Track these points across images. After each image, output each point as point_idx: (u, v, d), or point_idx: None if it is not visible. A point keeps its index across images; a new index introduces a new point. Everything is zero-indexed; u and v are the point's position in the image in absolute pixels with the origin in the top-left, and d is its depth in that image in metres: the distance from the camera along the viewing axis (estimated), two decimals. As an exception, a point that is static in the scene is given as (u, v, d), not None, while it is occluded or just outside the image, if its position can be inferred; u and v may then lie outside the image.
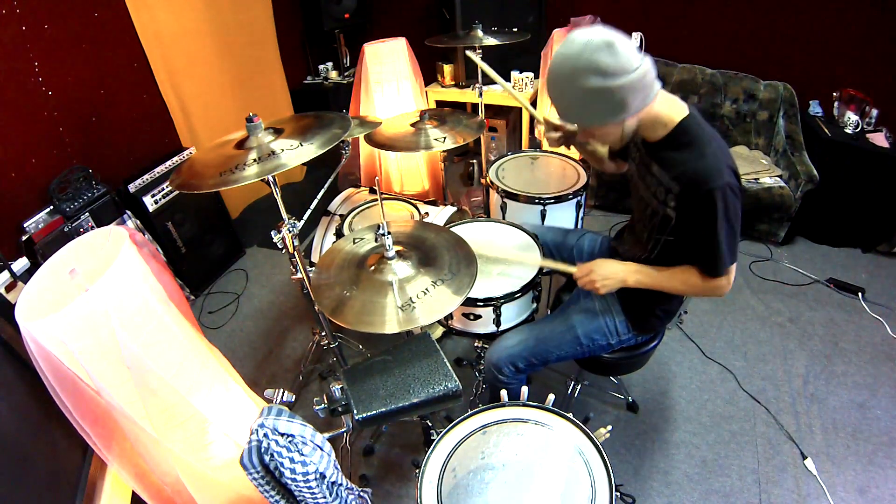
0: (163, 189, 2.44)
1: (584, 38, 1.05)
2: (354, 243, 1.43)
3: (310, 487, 0.86)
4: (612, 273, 1.35)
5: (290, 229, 1.34)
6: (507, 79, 3.23)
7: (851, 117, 2.73)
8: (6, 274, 1.70)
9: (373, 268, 1.30)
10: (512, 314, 1.58)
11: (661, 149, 1.22)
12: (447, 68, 3.33)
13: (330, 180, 1.68)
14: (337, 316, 1.19)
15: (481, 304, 1.50)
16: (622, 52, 1.04)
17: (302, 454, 0.84)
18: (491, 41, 2.14)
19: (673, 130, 1.18)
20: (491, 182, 2.10)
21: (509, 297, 1.50)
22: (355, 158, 2.76)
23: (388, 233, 1.27)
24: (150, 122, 2.58)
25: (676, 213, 1.21)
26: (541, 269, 1.58)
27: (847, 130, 2.73)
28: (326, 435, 0.94)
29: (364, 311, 1.19)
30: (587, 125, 1.18)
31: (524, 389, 1.28)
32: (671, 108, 1.18)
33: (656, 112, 1.17)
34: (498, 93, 3.22)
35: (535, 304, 1.66)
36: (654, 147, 1.24)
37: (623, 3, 3.16)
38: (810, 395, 2.02)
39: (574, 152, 3.00)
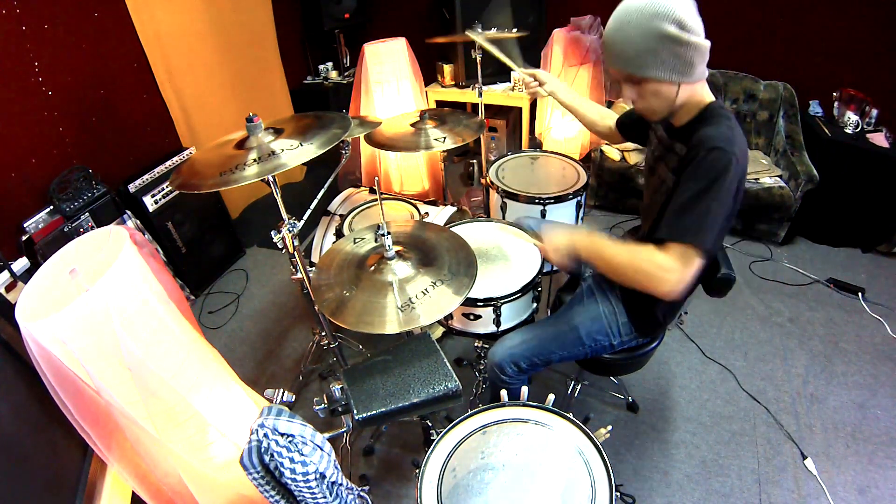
0: (163, 189, 2.44)
1: None
2: (355, 243, 1.43)
3: (310, 487, 0.86)
4: (559, 243, 1.27)
5: (290, 229, 1.34)
6: (508, 79, 3.23)
7: (851, 117, 2.73)
8: (6, 274, 1.70)
9: (373, 268, 1.30)
10: (512, 314, 1.59)
11: (687, 128, 1.19)
12: (447, 68, 3.33)
13: (330, 180, 1.68)
14: (337, 316, 1.19)
15: (481, 304, 1.50)
16: (697, 16, 1.05)
17: (302, 454, 0.84)
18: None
19: (702, 110, 1.17)
20: (491, 182, 2.10)
21: (509, 298, 1.50)
22: (355, 158, 2.76)
23: (388, 233, 1.27)
24: (150, 122, 2.58)
25: (675, 175, 1.16)
26: (542, 268, 1.58)
27: (847, 130, 2.73)
28: (326, 435, 0.94)
29: (364, 311, 1.19)
30: (649, 76, 1.09)
31: (524, 389, 1.28)
32: (705, 92, 1.18)
33: (698, 92, 1.15)
34: (498, 93, 3.22)
35: (535, 305, 1.66)
36: (680, 130, 1.21)
37: (623, 4, 3.16)
38: (810, 395, 2.02)
39: (574, 152, 3.01)
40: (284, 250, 1.37)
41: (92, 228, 2.11)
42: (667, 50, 1.05)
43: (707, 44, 1.08)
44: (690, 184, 1.08)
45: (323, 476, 0.88)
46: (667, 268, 1.07)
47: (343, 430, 1.04)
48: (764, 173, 2.79)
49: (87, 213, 2.10)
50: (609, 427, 1.18)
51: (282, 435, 0.84)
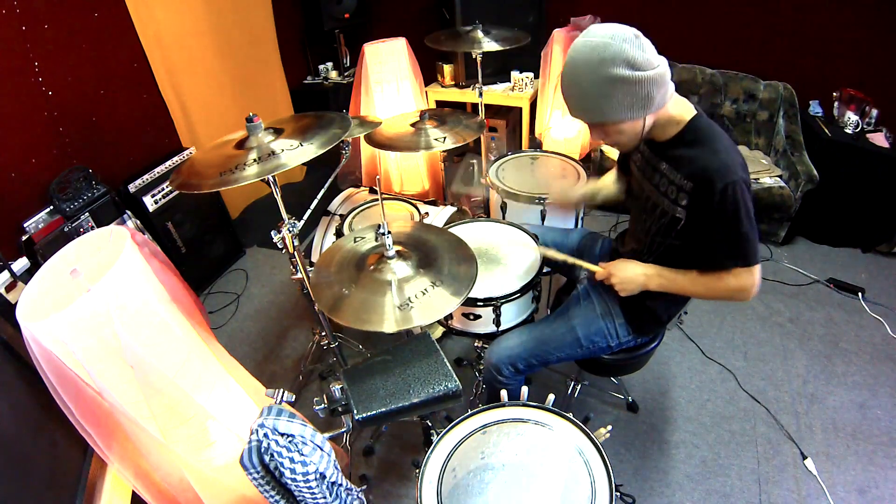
0: (163, 189, 2.44)
1: (611, 30, 1.04)
2: (355, 242, 1.44)
3: (310, 487, 0.86)
4: (632, 276, 1.33)
5: (290, 229, 1.34)
6: (508, 78, 3.23)
7: (851, 117, 2.73)
8: (6, 274, 1.70)
9: (372, 267, 1.30)
10: (512, 314, 1.58)
11: (671, 147, 1.20)
12: (447, 68, 3.33)
13: (330, 180, 1.68)
14: (335, 313, 1.19)
15: (481, 304, 1.50)
16: (648, 46, 1.05)
17: (302, 454, 0.84)
18: (491, 41, 2.13)
19: (684, 128, 1.18)
20: (491, 182, 2.10)
21: (509, 298, 1.50)
22: (355, 158, 2.76)
23: (389, 232, 1.27)
24: (150, 122, 2.58)
25: (687, 213, 1.18)
26: (541, 269, 1.58)
27: (847, 130, 2.73)
28: (326, 435, 0.95)
29: (362, 309, 1.19)
30: (610, 120, 1.11)
31: (524, 389, 1.28)
32: (682, 108, 1.18)
33: (670, 111, 1.16)
34: (498, 93, 3.22)
35: (534, 305, 1.66)
36: (663, 146, 1.22)
37: (623, 3, 3.16)
38: (810, 395, 2.02)
39: (574, 152, 3.01)
40: (284, 250, 1.37)
41: (92, 228, 2.11)
42: (621, 92, 1.05)
43: (663, 70, 1.07)
44: (722, 224, 1.14)
45: (323, 476, 0.88)
46: (742, 287, 1.21)
47: (343, 430, 1.04)
48: (764, 173, 2.79)
49: (87, 213, 2.10)
50: (609, 427, 1.18)
51: (282, 435, 0.84)
